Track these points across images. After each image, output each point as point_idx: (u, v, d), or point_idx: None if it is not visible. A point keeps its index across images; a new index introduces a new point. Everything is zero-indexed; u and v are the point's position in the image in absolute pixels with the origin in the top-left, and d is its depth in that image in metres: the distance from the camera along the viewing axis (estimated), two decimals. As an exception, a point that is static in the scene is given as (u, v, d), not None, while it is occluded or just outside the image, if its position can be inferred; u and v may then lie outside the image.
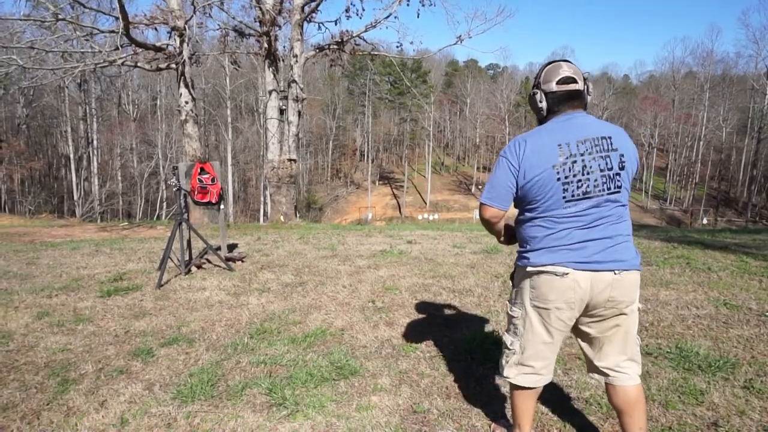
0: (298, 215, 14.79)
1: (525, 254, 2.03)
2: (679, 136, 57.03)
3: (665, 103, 59.60)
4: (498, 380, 2.87)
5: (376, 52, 15.81)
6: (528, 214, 2.00)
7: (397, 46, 15.98)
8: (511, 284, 2.18)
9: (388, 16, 13.77)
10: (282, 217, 12.79)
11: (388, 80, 62.77)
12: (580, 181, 1.89)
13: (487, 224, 2.13)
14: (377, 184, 62.59)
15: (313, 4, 12.99)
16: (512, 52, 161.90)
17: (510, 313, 2.12)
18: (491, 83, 69.93)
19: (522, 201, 2.01)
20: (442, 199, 56.70)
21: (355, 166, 65.98)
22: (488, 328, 3.68)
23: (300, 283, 5.05)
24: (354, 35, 13.83)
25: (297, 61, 12.82)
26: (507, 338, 2.13)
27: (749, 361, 3.06)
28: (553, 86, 1.98)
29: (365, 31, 13.92)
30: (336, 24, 13.98)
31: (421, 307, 4.23)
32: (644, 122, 58.53)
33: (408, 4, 13.98)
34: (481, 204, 2.04)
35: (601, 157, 1.91)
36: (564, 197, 1.90)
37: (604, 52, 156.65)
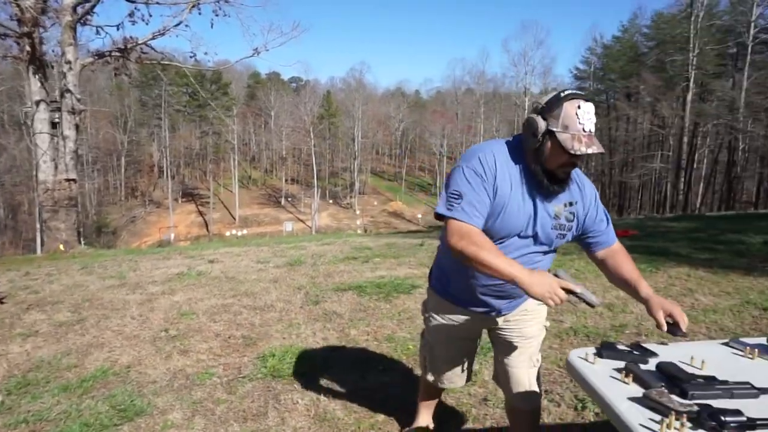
0: (83, 242, 13.06)
1: None
2: (463, 146, 64.48)
3: (451, 116, 66.95)
4: (296, 393, 2.87)
5: (167, 62, 14.81)
6: None
7: (191, 56, 15.18)
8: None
9: (178, 24, 13.01)
10: (62, 246, 11.15)
11: (186, 91, 59.23)
12: None
13: None
14: (180, 201, 58.55)
15: (87, 5, 11.65)
16: (313, 66, 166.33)
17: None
18: (295, 96, 70.68)
19: None
20: (251, 213, 55.40)
21: (153, 184, 60.83)
22: (288, 342, 3.67)
23: (78, 320, 4.44)
24: (139, 42, 12.75)
25: (71, 68, 11.35)
26: None
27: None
28: None
29: (152, 38, 12.95)
30: (118, 29, 12.73)
31: (219, 329, 4.04)
32: (434, 133, 64.94)
33: (200, 13, 13.39)
34: None
35: None
36: None
37: (398, 69, 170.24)
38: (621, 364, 1.44)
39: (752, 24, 30.27)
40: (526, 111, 49.14)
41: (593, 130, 1.58)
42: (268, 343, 3.68)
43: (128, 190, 58.69)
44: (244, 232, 43.49)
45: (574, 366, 1.49)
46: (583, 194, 1.80)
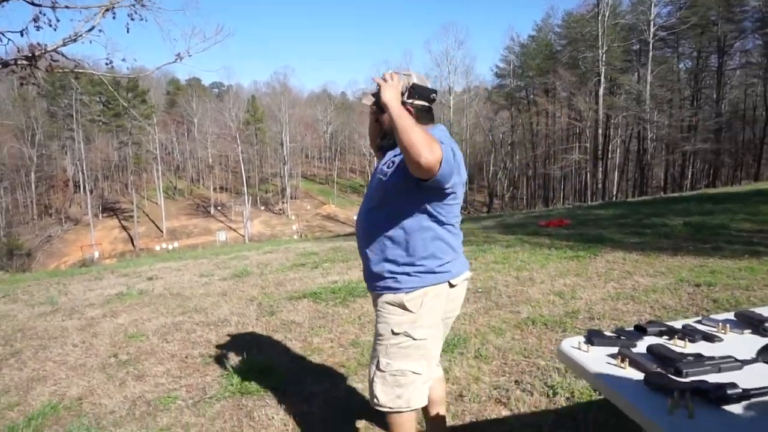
0: (-4, 267, 12.06)
1: (442, 267, 1.86)
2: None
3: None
4: (269, 408, 2.79)
5: (80, 70, 13.92)
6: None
7: (107, 63, 14.34)
8: (403, 311, 1.85)
9: (91, 29, 12.19)
10: (-27, 273, 10.22)
11: (100, 100, 56.04)
12: None
13: None
14: (101, 216, 55.34)
15: (-13, 11, 10.77)
16: (235, 70, 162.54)
17: (417, 339, 1.84)
18: (218, 102, 68.67)
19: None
20: (180, 225, 53.28)
21: (69, 200, 57.10)
22: (252, 356, 3.56)
23: (12, 353, 4.08)
24: (49, 50, 11.89)
25: (-30, 79, 10.43)
26: (412, 366, 1.86)
27: (474, 334, 3.64)
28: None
29: (63, 45, 12.04)
30: (23, 35, 11.77)
31: (174, 349, 3.85)
32: (364, 135, 65.11)
33: (114, 17, 12.67)
34: None
35: None
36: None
37: (323, 72, 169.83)
38: (614, 349, 1.51)
39: (651, 23, 32.69)
40: (451, 109, 50.46)
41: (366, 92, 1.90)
42: (229, 359, 3.54)
43: (41, 207, 54.74)
44: (176, 245, 41.67)
45: (569, 355, 1.55)
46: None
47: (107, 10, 12.65)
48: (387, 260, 1.85)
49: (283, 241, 14.13)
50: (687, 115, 35.09)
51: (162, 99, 70.47)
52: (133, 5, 13.03)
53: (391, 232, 1.83)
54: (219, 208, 60.12)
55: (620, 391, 1.30)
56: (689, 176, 39.71)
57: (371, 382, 1.92)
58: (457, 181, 1.74)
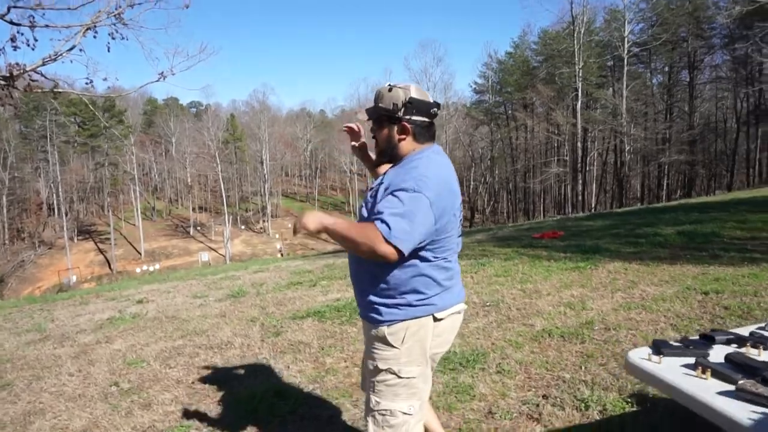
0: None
1: (424, 301, 1.74)
2: (373, 162, 65.26)
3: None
4: (291, 434, 2.66)
5: (60, 90, 13.64)
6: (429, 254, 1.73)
7: (87, 83, 14.05)
8: (386, 347, 1.75)
9: (71, 49, 11.97)
10: (-52, 301, 9.80)
11: (75, 121, 55.13)
12: None
13: None
14: (76, 240, 54.06)
15: (-38, 31, 10.48)
16: (215, 90, 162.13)
17: (404, 377, 1.74)
18: (196, 121, 68.14)
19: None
20: (158, 246, 52.29)
21: (43, 223, 55.70)
22: (263, 379, 3.42)
23: (3, 385, 3.86)
24: (28, 69, 11.61)
25: (-55, 100, 10.11)
26: (401, 405, 1.75)
27: (492, 348, 3.56)
28: None
29: (43, 64, 11.71)
30: (-1, 55, 11.53)
31: (179, 375, 3.68)
32: (344, 152, 65.20)
33: (95, 36, 12.47)
34: None
35: None
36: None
37: (301, 90, 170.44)
38: (688, 360, 1.45)
39: (625, 39, 33.55)
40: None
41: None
42: (240, 383, 3.40)
43: (13, 232, 53.23)
44: (157, 266, 40.82)
45: (640, 367, 1.48)
46: (387, 176, 1.78)
47: (88, 29, 12.41)
48: (370, 287, 1.78)
49: (268, 260, 13.90)
50: (662, 128, 35.92)
51: (139, 119, 69.71)
52: (114, 24, 12.85)
53: (374, 262, 1.71)
54: (199, 228, 59.28)
55: (711, 403, 1.24)
56: (665, 187, 40.53)
57: (366, 420, 1.83)
58: (441, 225, 1.65)
